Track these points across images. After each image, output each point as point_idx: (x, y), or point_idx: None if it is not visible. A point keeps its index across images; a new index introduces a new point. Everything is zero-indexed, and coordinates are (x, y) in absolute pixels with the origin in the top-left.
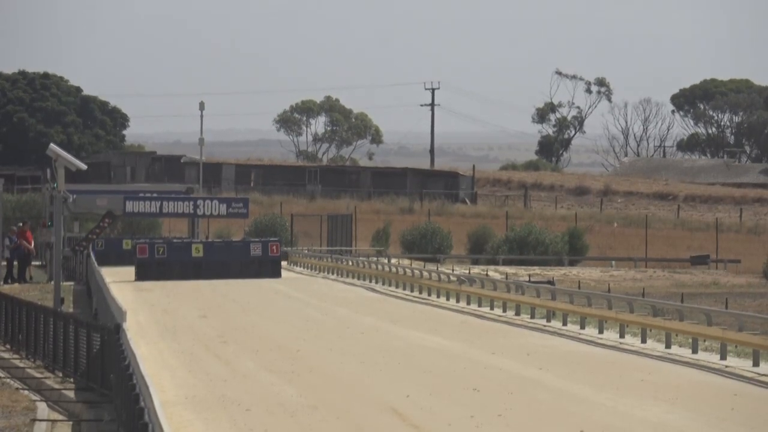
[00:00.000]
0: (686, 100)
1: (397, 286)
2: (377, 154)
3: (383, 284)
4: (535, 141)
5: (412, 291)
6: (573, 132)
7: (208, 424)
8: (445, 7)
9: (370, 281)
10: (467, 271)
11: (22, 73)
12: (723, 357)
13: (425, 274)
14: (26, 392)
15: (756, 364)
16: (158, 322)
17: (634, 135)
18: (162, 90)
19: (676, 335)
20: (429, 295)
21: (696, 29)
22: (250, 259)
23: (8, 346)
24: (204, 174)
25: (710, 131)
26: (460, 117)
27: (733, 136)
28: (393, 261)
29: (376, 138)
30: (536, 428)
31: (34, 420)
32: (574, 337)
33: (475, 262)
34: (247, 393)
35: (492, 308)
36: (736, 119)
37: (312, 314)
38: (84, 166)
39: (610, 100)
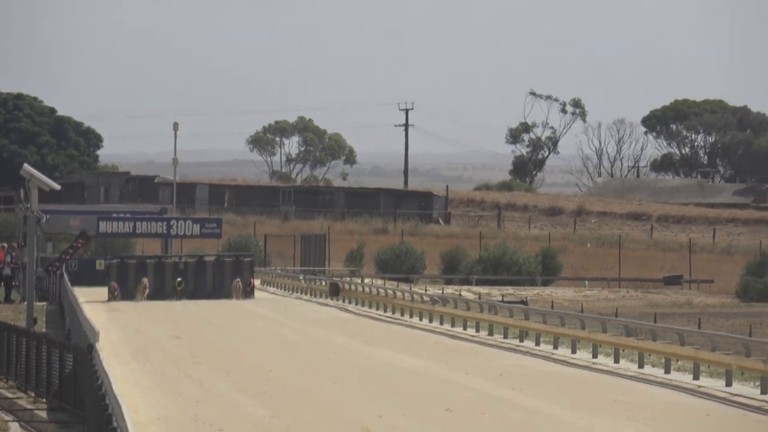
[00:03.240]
0: (658, 121)
1: (370, 307)
2: (351, 175)
3: (357, 304)
4: (509, 161)
5: (385, 311)
6: (547, 152)
7: None
8: (420, 28)
9: (344, 301)
10: (441, 291)
11: None
12: (696, 377)
13: (399, 294)
14: None
15: (729, 384)
16: (131, 343)
17: (608, 155)
18: (136, 110)
19: (649, 355)
20: (402, 315)
21: (670, 50)
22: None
23: None
24: (177, 194)
25: (684, 151)
26: (434, 137)
27: (706, 157)
28: (367, 281)
29: (350, 158)
30: None
31: None
32: (548, 357)
33: (449, 282)
34: (219, 413)
35: (465, 328)
36: (709, 139)
37: (285, 334)
38: (57, 187)
39: (584, 120)
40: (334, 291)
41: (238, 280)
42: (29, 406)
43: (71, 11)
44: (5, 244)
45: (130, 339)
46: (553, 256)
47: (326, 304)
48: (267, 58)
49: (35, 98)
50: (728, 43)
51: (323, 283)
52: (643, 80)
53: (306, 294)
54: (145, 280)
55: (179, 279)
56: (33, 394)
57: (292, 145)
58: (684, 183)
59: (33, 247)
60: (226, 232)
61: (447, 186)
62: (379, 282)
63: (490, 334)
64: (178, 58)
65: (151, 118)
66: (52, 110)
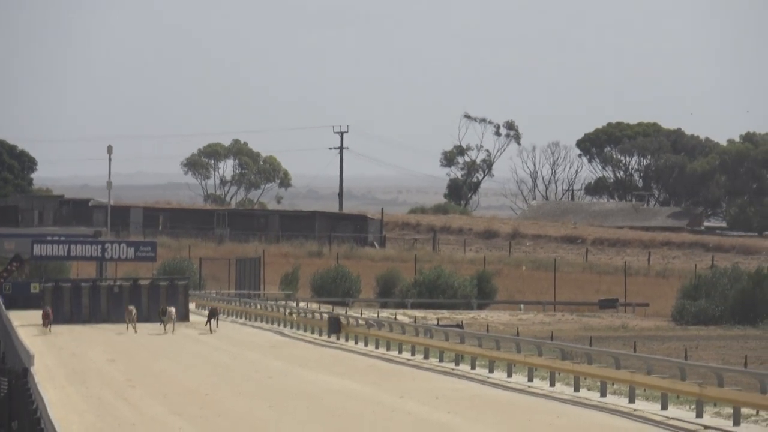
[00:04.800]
0: (593, 144)
1: (305, 330)
2: (286, 198)
3: (292, 328)
4: (444, 184)
5: (320, 335)
6: (482, 175)
7: None
8: (354, 51)
9: (279, 325)
10: (376, 315)
11: None
12: (632, 400)
13: (289, 310)
14: None
15: (664, 407)
16: (67, 366)
17: (543, 178)
18: (70, 134)
19: (585, 378)
20: (338, 338)
21: (604, 73)
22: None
23: None
24: (112, 217)
25: (618, 175)
26: (368, 160)
27: (641, 180)
28: (302, 304)
29: (285, 181)
30: None
31: None
32: (483, 381)
33: (384, 306)
34: None
35: (401, 352)
36: (644, 162)
37: (220, 358)
38: None
39: (518, 143)
40: (335, 328)
41: (173, 309)
42: None
43: (4, 33)
44: None
45: (65, 362)
46: (488, 280)
47: (261, 327)
48: (201, 81)
49: None
50: (663, 65)
51: (257, 307)
52: (578, 103)
53: (241, 317)
54: (132, 308)
55: (131, 306)
56: None
57: (226, 168)
58: (619, 206)
59: None
60: (161, 255)
61: (382, 209)
62: (314, 306)
63: (426, 357)
64: (112, 81)
65: (85, 141)
66: None
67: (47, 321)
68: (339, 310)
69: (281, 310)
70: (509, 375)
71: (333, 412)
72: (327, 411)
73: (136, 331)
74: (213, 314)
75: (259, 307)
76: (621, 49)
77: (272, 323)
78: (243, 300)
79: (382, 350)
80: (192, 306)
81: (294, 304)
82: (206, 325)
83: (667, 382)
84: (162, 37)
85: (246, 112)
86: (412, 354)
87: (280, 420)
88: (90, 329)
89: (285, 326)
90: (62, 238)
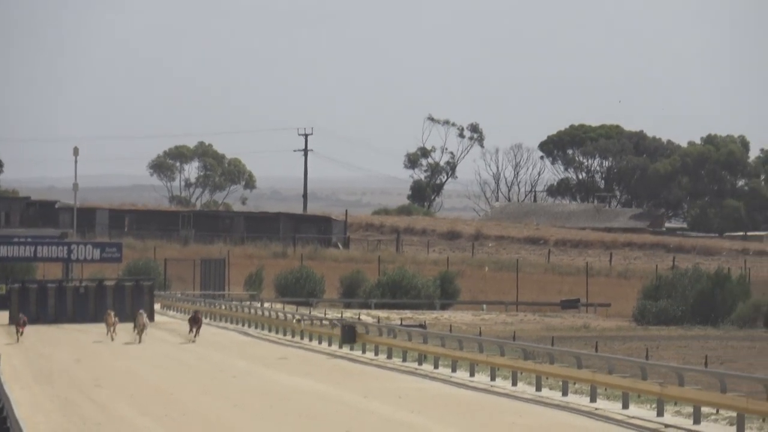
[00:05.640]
0: (555, 146)
1: (270, 330)
2: (250, 199)
3: (256, 328)
4: (408, 186)
5: (285, 335)
6: (445, 177)
7: None
8: (318, 53)
9: (243, 325)
10: (340, 315)
11: None
12: (593, 399)
13: (297, 317)
14: None
15: (625, 406)
16: (33, 366)
17: (506, 180)
18: (36, 135)
19: (547, 378)
20: (302, 338)
21: (567, 75)
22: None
23: None
24: (78, 219)
25: (580, 176)
26: (333, 162)
27: (603, 181)
28: (266, 305)
29: (250, 183)
30: None
31: None
32: (446, 380)
33: (348, 306)
34: None
35: (364, 352)
36: (606, 164)
37: (185, 358)
38: None
39: (482, 145)
40: (349, 338)
41: (143, 313)
42: None
43: None
44: None
45: (32, 363)
46: (451, 280)
47: (225, 328)
48: (167, 84)
49: None
50: (624, 67)
51: (222, 307)
52: (540, 105)
53: (206, 318)
54: (112, 313)
55: (111, 311)
56: None
57: (191, 170)
58: (581, 207)
59: None
60: (127, 256)
61: (346, 210)
62: (278, 306)
63: (389, 357)
64: (78, 83)
65: (51, 143)
66: None
67: (20, 328)
68: (303, 310)
69: (289, 317)
70: (472, 375)
71: (297, 412)
72: (291, 410)
73: (113, 340)
74: (195, 321)
75: (224, 307)
76: (583, 52)
77: (237, 323)
78: (208, 300)
79: (346, 350)
80: (157, 306)
81: (259, 305)
82: (190, 332)
83: (628, 381)
84: (129, 40)
85: (211, 114)
86: (376, 354)
87: (244, 419)
88: (56, 329)
89: (249, 326)
90: (29, 240)
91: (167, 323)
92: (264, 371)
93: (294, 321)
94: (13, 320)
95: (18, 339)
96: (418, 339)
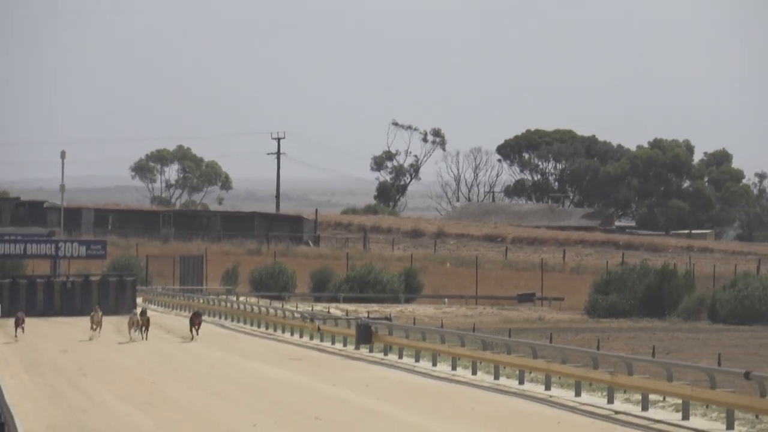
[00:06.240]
0: (512, 149)
1: (245, 323)
2: (227, 200)
3: (232, 320)
4: (374, 187)
5: (259, 327)
6: (409, 178)
7: None
8: (291, 62)
9: (220, 318)
10: (311, 308)
11: None
12: (548, 387)
13: (271, 311)
14: None
15: (578, 394)
16: (22, 356)
17: (466, 181)
18: (25, 138)
19: (504, 367)
20: (275, 330)
21: (522, 81)
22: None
23: None
24: (65, 218)
25: (535, 178)
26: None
27: (556, 183)
28: (241, 299)
29: (226, 184)
30: None
31: None
32: (410, 370)
33: (318, 300)
34: (105, 423)
35: (333, 343)
36: (559, 167)
37: (166, 349)
38: None
39: (443, 149)
40: (365, 338)
41: (98, 309)
42: None
43: None
44: None
45: (21, 353)
46: (414, 276)
47: (204, 321)
48: (148, 90)
49: None
50: (577, 75)
51: (200, 301)
52: (499, 111)
53: (184, 311)
54: (98, 309)
55: (97, 308)
56: None
57: (171, 172)
58: (536, 207)
59: None
60: (111, 253)
61: (316, 210)
62: (253, 300)
63: (357, 347)
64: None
65: (40, 145)
66: None
67: (19, 326)
68: (276, 304)
69: (300, 318)
70: (434, 364)
71: (271, 399)
72: (265, 398)
73: (98, 336)
74: (197, 317)
75: (201, 301)
76: (538, 61)
77: (214, 316)
78: (187, 294)
79: (316, 341)
80: (139, 300)
81: (235, 298)
82: (191, 331)
83: (580, 370)
84: (111, 49)
85: (190, 119)
86: (344, 345)
87: (221, 406)
88: (44, 322)
89: (226, 319)
90: (18, 238)
91: (149, 316)
92: (240, 361)
93: (305, 321)
94: (5, 312)
95: (16, 337)
96: (384, 331)
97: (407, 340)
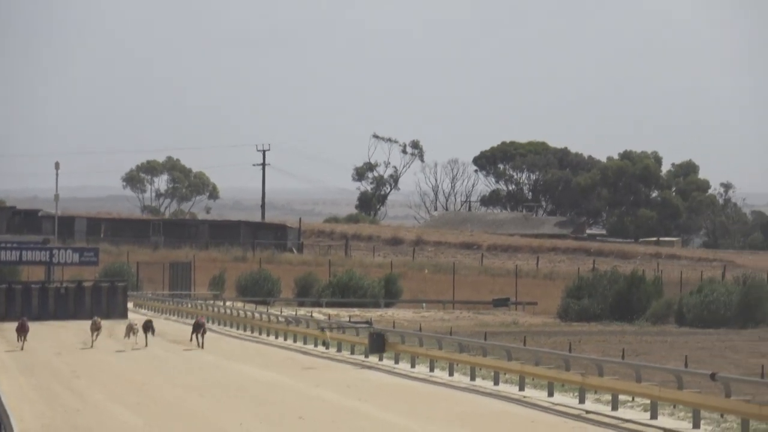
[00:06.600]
0: (488, 161)
1: (231, 326)
2: (214, 209)
3: (219, 324)
4: (355, 197)
5: (245, 330)
6: (389, 189)
7: None
8: (277, 77)
9: (208, 322)
10: (294, 313)
11: None
12: (522, 388)
13: (256, 315)
14: None
15: (551, 394)
16: (18, 359)
17: (443, 191)
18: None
19: (480, 369)
20: (260, 333)
21: (497, 96)
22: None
23: None
24: (59, 226)
25: (510, 188)
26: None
27: (530, 193)
28: (228, 304)
29: (213, 194)
30: None
31: None
32: (390, 371)
33: (302, 305)
34: (97, 423)
35: (316, 345)
36: (533, 177)
37: (155, 352)
38: None
39: (422, 160)
40: (378, 346)
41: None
42: None
43: None
44: None
45: (17, 356)
46: (394, 281)
47: (192, 324)
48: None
49: None
50: (549, 89)
51: (188, 306)
52: (475, 124)
53: (174, 315)
54: (98, 320)
55: (97, 318)
56: None
57: (161, 182)
58: (511, 216)
59: None
60: (103, 260)
61: (300, 219)
62: (239, 304)
63: (339, 350)
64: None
65: (35, 157)
66: None
67: (22, 335)
68: (261, 309)
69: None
70: (413, 366)
71: (256, 400)
72: (251, 398)
73: (92, 345)
74: (198, 328)
75: (190, 305)
76: (513, 74)
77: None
78: (176, 300)
79: (300, 344)
80: (130, 305)
81: (222, 303)
82: (192, 340)
83: (553, 372)
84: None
85: (178, 132)
86: (327, 348)
87: (209, 406)
88: (39, 326)
89: (213, 323)
90: (14, 245)
91: (140, 320)
92: (227, 363)
93: (320, 330)
94: (0, 316)
95: (21, 345)
96: (364, 334)
97: (345, 336)
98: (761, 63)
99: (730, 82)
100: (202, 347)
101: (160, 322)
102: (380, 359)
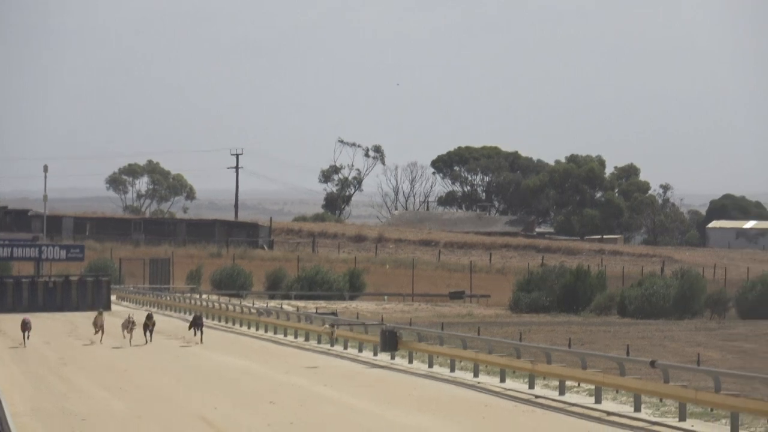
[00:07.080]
0: (444, 164)
1: (207, 317)
2: (191, 208)
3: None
4: (322, 197)
5: (219, 321)
6: (353, 190)
7: (51, 431)
8: (249, 84)
9: (185, 313)
10: (265, 305)
11: None
12: (476, 375)
13: (230, 306)
14: None
15: (503, 380)
16: (9, 348)
17: (403, 192)
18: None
19: (438, 357)
20: (234, 324)
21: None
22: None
23: None
24: (47, 225)
25: (465, 189)
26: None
27: (484, 193)
28: (204, 296)
29: (190, 195)
30: None
31: None
32: (354, 359)
33: (272, 297)
34: (83, 406)
35: (286, 335)
36: (486, 179)
37: (137, 339)
38: None
39: (383, 163)
40: (390, 344)
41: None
42: None
43: None
44: None
45: (8, 345)
46: (358, 276)
47: (170, 316)
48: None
49: None
50: (502, 97)
51: (167, 298)
52: (433, 130)
53: (155, 307)
54: (102, 313)
55: (102, 310)
56: None
57: (142, 184)
58: (465, 215)
59: None
60: (88, 256)
61: (270, 218)
62: (215, 297)
63: (306, 340)
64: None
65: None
66: None
67: (26, 332)
68: (235, 301)
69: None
70: (375, 354)
71: (229, 385)
72: (224, 384)
73: (101, 341)
74: (197, 322)
75: (168, 298)
76: (469, 83)
77: (180, 312)
78: (155, 292)
79: (270, 334)
80: (113, 297)
81: (198, 296)
82: (191, 332)
83: (505, 359)
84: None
85: (158, 136)
86: (295, 337)
87: (186, 391)
88: (29, 317)
89: (190, 314)
90: (5, 242)
91: (123, 312)
92: (202, 351)
93: (325, 326)
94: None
95: (25, 344)
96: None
97: (351, 333)
98: (703, 70)
99: (672, 92)
100: (201, 342)
101: (140, 315)
102: (345, 348)
